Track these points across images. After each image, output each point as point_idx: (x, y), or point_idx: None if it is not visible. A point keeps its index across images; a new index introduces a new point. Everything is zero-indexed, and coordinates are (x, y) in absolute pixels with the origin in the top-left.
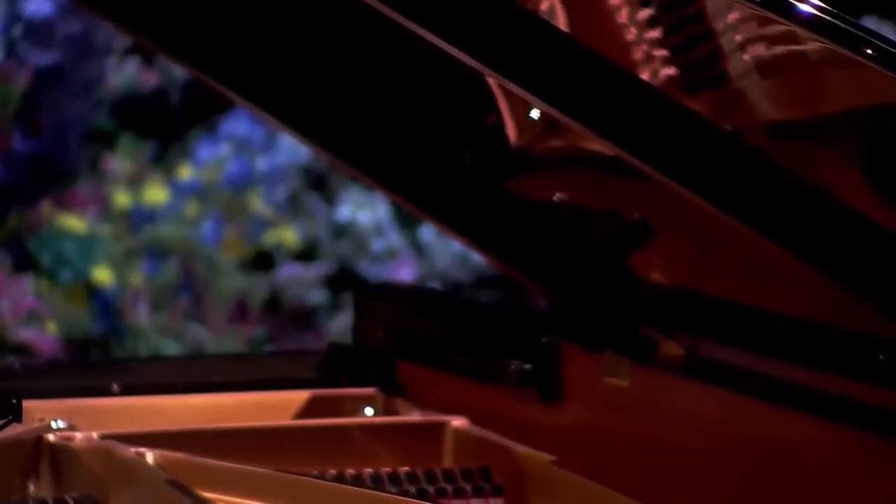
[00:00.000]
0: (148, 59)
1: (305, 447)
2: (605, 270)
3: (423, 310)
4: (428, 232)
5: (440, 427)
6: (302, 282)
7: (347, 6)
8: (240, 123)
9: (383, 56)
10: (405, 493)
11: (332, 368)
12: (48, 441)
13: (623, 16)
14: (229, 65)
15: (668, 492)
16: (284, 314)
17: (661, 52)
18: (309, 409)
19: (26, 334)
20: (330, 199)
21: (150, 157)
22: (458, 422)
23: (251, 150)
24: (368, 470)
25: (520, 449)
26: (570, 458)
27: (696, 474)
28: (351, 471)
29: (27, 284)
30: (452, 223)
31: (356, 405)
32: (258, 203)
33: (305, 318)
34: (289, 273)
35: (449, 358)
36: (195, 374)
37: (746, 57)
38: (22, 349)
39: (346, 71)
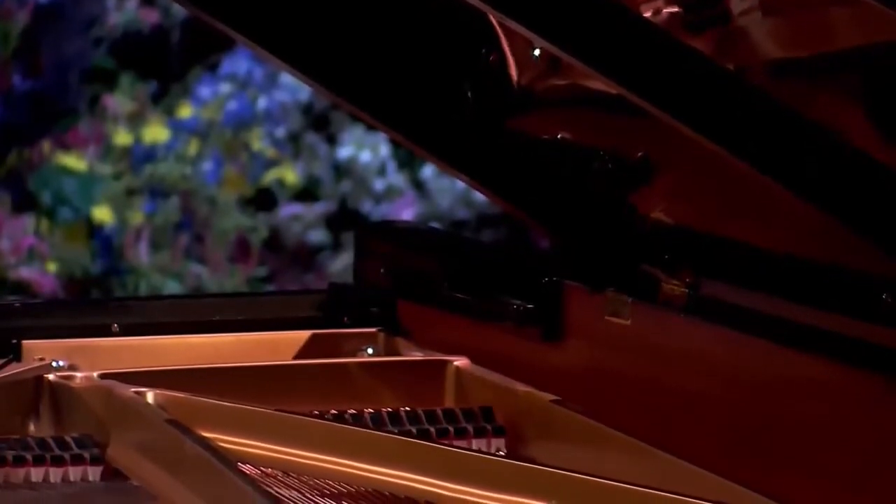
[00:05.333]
0: None
1: (306, 387)
2: (608, 209)
3: (425, 249)
4: (430, 171)
5: (442, 366)
6: (303, 221)
7: None
8: (240, 62)
9: None
10: (406, 434)
11: (333, 308)
12: (48, 381)
13: None
14: (228, 3)
15: (670, 430)
16: (285, 253)
17: None
18: (310, 349)
19: (26, 273)
20: (331, 137)
21: (151, 96)
22: (459, 361)
23: (252, 89)
24: (369, 410)
25: (521, 388)
26: (572, 397)
27: (698, 413)
28: (352, 411)
29: (27, 223)
30: (454, 162)
31: (357, 345)
32: (259, 142)
33: (306, 257)
34: (289, 212)
35: (451, 297)
36: (195, 314)
37: None
38: (22, 288)
39: (346, 8)
